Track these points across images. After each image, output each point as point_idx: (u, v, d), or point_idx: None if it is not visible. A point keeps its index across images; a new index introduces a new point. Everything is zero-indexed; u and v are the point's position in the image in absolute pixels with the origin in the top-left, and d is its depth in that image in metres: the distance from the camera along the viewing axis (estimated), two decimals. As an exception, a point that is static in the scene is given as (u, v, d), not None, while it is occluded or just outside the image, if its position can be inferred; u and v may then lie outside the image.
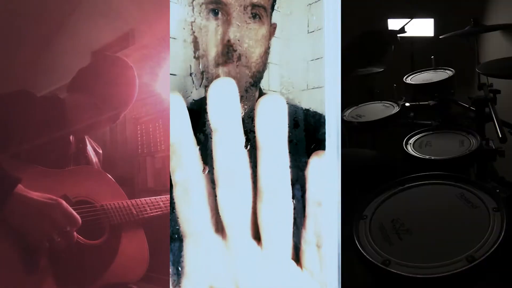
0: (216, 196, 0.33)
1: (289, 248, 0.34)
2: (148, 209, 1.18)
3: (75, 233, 0.99)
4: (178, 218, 0.33)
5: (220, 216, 0.33)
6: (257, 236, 0.34)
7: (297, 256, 0.35)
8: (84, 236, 1.04)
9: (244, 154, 0.32)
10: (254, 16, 0.56)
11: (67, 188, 1.05)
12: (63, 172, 1.11)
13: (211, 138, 0.32)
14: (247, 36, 0.55)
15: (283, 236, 0.34)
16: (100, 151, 1.35)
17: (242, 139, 0.32)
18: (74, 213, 0.98)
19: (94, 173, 1.22)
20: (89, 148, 1.28)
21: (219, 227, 0.34)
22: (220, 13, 0.54)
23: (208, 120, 0.31)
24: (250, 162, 0.33)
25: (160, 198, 1.23)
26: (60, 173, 1.09)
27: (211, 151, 0.32)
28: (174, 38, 0.55)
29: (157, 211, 1.19)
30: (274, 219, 0.33)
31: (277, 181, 0.32)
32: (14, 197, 0.90)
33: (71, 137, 1.18)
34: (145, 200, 1.20)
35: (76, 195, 1.07)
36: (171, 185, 0.34)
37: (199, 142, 0.33)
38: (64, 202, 0.97)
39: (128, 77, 1.20)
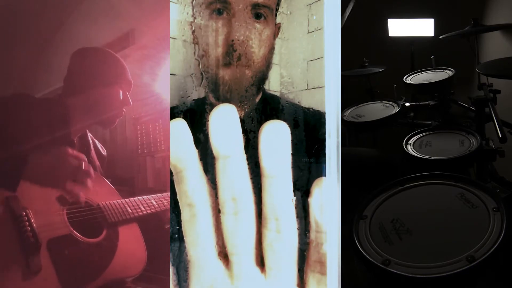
0: (221, 223, 0.33)
1: (294, 274, 0.34)
2: (142, 208, 1.19)
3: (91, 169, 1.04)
4: (185, 242, 0.34)
5: (224, 242, 0.33)
6: (260, 263, 0.34)
7: (302, 283, 0.35)
8: (83, 234, 1.04)
9: (248, 181, 0.32)
10: (259, 16, 0.56)
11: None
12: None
13: (215, 164, 0.32)
14: (251, 37, 0.54)
15: (287, 263, 0.34)
16: (105, 153, 1.35)
17: (245, 166, 0.32)
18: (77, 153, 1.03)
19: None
20: (93, 150, 1.28)
21: (223, 254, 0.34)
22: (224, 12, 0.54)
23: (211, 145, 0.31)
24: (254, 188, 0.33)
25: (153, 197, 1.24)
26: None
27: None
28: (174, 38, 0.55)
29: (150, 210, 1.21)
30: (278, 246, 0.33)
31: (282, 208, 0.32)
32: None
33: (75, 139, 1.18)
34: (138, 199, 1.21)
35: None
36: (172, 185, 0.33)
37: (199, 143, 0.33)
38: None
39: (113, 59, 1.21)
